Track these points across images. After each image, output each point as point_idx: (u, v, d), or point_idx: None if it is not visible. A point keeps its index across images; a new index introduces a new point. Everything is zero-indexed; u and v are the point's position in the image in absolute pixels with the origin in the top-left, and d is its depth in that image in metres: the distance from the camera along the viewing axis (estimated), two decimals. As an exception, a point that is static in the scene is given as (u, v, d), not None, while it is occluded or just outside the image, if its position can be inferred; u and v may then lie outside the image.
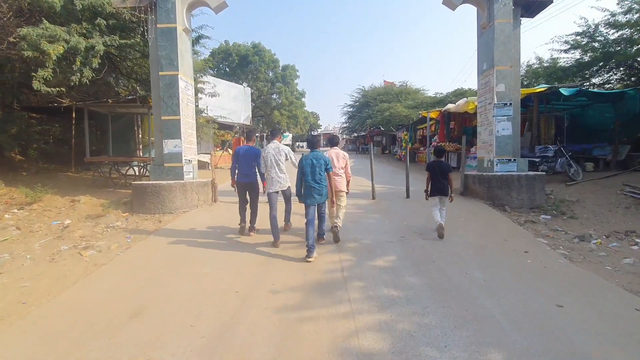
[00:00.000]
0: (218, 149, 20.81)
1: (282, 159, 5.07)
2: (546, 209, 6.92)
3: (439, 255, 4.40)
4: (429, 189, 5.30)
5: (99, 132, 12.25)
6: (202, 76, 10.30)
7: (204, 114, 18.33)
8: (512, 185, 7.13)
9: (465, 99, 12.60)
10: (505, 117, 7.54)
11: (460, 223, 5.88)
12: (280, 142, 5.35)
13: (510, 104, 7.53)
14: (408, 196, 8.00)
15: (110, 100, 10.21)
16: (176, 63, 7.25)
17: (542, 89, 9.54)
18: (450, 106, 13.50)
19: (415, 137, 22.24)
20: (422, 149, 21.11)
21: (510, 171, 7.50)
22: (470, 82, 44.13)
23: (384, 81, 40.76)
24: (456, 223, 5.86)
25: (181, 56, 7.39)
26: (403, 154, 23.65)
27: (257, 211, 5.58)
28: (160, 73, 7.27)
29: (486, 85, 7.91)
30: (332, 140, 5.69)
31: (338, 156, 5.25)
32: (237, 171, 5.41)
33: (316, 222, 4.73)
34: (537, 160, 9.33)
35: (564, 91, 9.18)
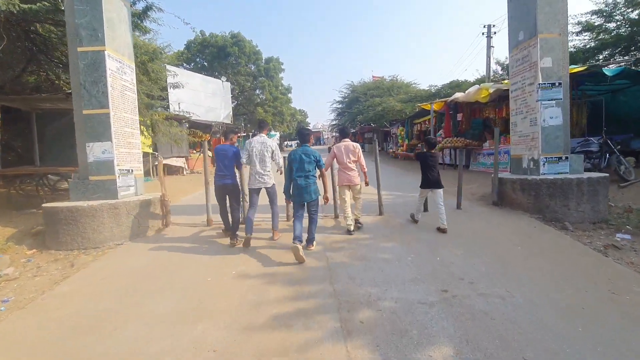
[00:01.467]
0: (196, 151, 18.53)
1: (267, 154, 4.65)
2: (617, 224, 5.09)
3: (527, 337, 2.45)
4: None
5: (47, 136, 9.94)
6: (154, 59, 8.08)
7: (174, 110, 16.14)
8: (570, 193, 5.27)
9: (476, 86, 10.77)
10: (554, 102, 5.67)
11: (518, 254, 3.96)
12: (265, 134, 4.89)
13: (560, 83, 5.67)
14: (426, 209, 6.07)
15: (43, 95, 8.02)
16: (101, 35, 5.13)
17: (580, 69, 7.75)
18: (458, 95, 11.66)
19: (412, 133, 20.42)
20: (420, 144, 19.31)
21: (561, 173, 5.64)
22: (468, 73, 42.84)
23: (373, 76, 39.24)
24: (514, 255, 3.94)
25: (110, 26, 5.28)
26: (400, 151, 21.85)
27: (239, 213, 4.91)
28: (79, 49, 5.13)
29: (524, 61, 6.02)
30: (342, 132, 5.44)
31: (347, 149, 5.09)
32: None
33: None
34: (579, 156, 7.53)
35: (608, 71, 7.43)
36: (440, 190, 5.05)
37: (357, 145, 5.14)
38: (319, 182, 4.42)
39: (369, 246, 4.38)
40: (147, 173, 13.76)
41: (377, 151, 6.27)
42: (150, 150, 13.15)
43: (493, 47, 15.88)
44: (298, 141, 4.59)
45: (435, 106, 12.99)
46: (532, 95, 5.83)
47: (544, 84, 5.64)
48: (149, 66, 8.52)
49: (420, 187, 5.21)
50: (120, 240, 4.96)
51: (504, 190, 6.09)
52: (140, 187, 5.85)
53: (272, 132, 48.53)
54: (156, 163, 14.31)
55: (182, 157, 16.61)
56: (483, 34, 16.35)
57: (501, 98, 10.80)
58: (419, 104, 16.28)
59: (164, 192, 5.69)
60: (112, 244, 4.88)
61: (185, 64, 24.20)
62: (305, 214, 4.34)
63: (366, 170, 5.23)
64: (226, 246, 4.63)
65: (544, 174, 5.67)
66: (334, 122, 45.02)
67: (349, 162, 5.05)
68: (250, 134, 29.71)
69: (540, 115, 5.67)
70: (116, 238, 4.94)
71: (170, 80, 16.45)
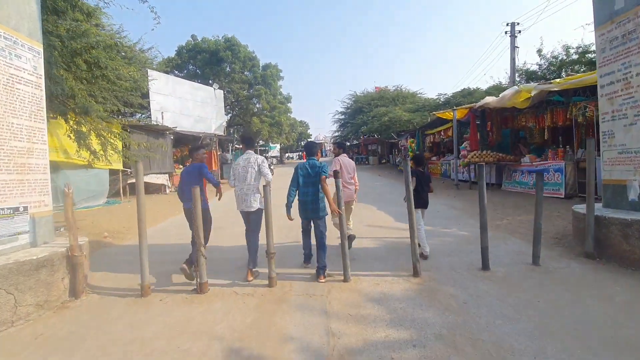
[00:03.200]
0: (177, 167, 16.50)
1: (252, 171, 4.07)
2: None
3: None
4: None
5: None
6: (96, 47, 5.98)
7: (155, 121, 14.24)
8: None
9: (515, 87, 8.74)
10: (690, 98, 3.62)
11: None
12: (252, 151, 4.33)
13: (697, 70, 3.63)
14: (486, 266, 3.93)
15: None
16: (-34, -9, 3.16)
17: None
18: (489, 100, 9.63)
19: (424, 145, 18.42)
20: (434, 158, 17.28)
21: None
22: (481, 81, 41.29)
23: (375, 87, 37.75)
24: None
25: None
26: (411, 165, 19.18)
27: (208, 236, 4.16)
28: None
29: (627, 39, 3.99)
30: (342, 146, 5.35)
31: (350, 164, 4.99)
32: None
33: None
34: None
35: None
36: (424, 211, 4.68)
37: (352, 162, 5.12)
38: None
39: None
40: (116, 194, 11.76)
41: (409, 172, 4.10)
42: (121, 167, 11.12)
43: (518, 47, 13.97)
44: (305, 154, 4.34)
45: (459, 113, 10.97)
46: (649, 90, 3.78)
47: (674, 70, 3.60)
48: (102, 61, 6.58)
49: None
50: (-24, 335, 2.86)
51: (607, 236, 3.95)
52: (45, 232, 3.79)
53: (272, 145, 46.72)
54: (129, 182, 12.31)
55: (165, 173, 14.61)
56: (506, 32, 14.41)
57: (543, 103, 8.80)
58: (434, 113, 14.29)
59: (73, 243, 3.59)
60: (-42, 345, 2.77)
61: (176, 72, 22.40)
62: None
63: (358, 187, 5.11)
64: (151, 348, 2.51)
65: (678, 212, 3.58)
66: (336, 134, 43.24)
67: (350, 178, 4.91)
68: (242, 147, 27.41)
69: (669, 119, 3.61)
70: (-34, 333, 2.84)
71: (151, 86, 14.66)
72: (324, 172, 3.95)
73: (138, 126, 12.05)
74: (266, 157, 42.85)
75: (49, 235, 3.89)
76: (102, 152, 6.15)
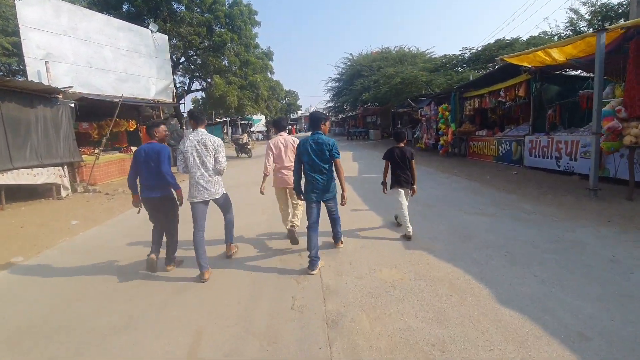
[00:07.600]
0: (92, 151, 10.36)
1: (209, 155, 3.53)
2: None
3: None
4: (386, 180, 4.40)
5: None
6: None
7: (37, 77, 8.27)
8: None
9: None
10: None
11: None
12: (203, 129, 3.65)
13: None
14: None
15: None
16: None
17: None
18: None
19: (462, 113, 12.76)
20: (481, 132, 11.75)
21: None
22: (522, 29, 35.28)
23: (372, 52, 31.81)
24: None
25: None
26: (443, 142, 13.34)
27: (177, 236, 3.82)
28: None
29: None
30: (278, 124, 4.52)
31: (287, 144, 4.21)
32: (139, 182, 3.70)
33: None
34: None
35: None
36: (408, 191, 4.27)
37: (296, 140, 3.99)
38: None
39: None
40: None
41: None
42: None
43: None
44: (309, 128, 3.68)
45: (611, 34, 5.27)
46: None
47: None
48: None
49: (391, 188, 4.34)
50: None
51: None
52: None
53: (257, 117, 39.90)
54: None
55: (57, 164, 8.69)
56: None
57: None
58: (501, 57, 8.49)
59: None
60: None
61: (107, 13, 15.54)
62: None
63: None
64: None
65: None
66: (330, 104, 37.27)
67: (287, 162, 4.15)
68: (219, 120, 21.28)
69: None
70: None
71: (20, 14, 8.51)
72: (337, 155, 3.48)
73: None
74: (251, 132, 36.35)
75: None
76: None
